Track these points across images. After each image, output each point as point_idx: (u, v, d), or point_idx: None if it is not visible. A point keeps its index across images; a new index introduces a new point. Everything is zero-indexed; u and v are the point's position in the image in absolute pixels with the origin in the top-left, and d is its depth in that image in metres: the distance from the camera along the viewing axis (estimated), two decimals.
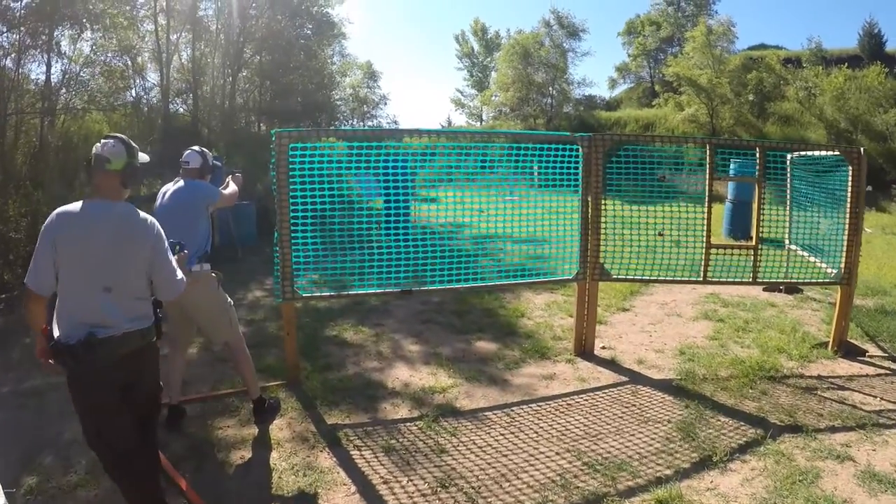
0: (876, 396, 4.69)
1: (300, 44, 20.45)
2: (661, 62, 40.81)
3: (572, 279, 5.41)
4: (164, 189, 3.98)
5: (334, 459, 3.74)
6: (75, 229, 2.56)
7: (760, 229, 5.63)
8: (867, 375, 5.17)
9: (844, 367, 5.37)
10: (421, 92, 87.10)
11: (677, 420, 4.25)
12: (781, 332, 6.23)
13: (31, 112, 11.83)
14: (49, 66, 12.24)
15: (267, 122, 20.56)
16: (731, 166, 10.79)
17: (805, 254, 6.71)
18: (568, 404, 4.54)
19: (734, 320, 6.66)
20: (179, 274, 2.82)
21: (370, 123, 34.74)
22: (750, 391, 4.75)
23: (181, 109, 17.96)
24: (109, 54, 14.05)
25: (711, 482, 3.47)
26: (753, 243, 5.69)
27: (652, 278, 5.72)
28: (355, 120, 34.71)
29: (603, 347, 5.75)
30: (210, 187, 3.99)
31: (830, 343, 5.73)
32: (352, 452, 3.83)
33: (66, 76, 12.78)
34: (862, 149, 5.71)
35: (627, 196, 6.18)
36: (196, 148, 4.09)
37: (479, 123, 43.17)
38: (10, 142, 10.88)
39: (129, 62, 15.13)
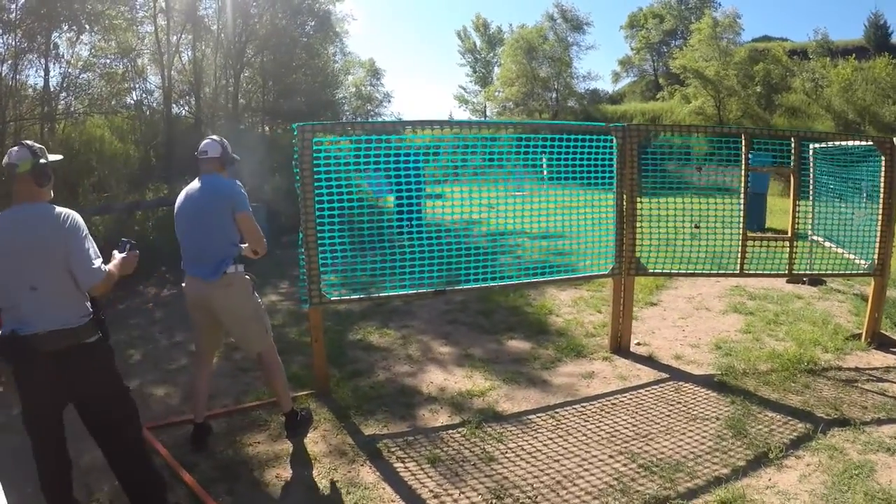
0: None
1: (302, 42, 20.23)
2: (664, 55, 40.72)
3: (608, 274, 5.28)
4: (185, 189, 3.72)
5: (378, 474, 3.53)
6: (2, 234, 2.67)
7: (796, 221, 5.52)
8: None
9: (880, 358, 5.29)
10: (423, 89, 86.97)
11: (725, 417, 4.15)
12: (813, 324, 6.14)
13: (31, 118, 11.61)
14: (47, 70, 12.04)
15: (271, 123, 20.39)
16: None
17: (830, 245, 6.58)
18: (612, 404, 4.42)
19: (764, 313, 6.56)
20: (97, 263, 2.74)
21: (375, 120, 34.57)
22: (792, 385, 4.66)
23: (184, 112, 17.77)
24: (109, 58, 13.87)
25: (770, 480, 3.38)
26: (789, 235, 5.56)
27: (689, 272, 5.57)
28: (359, 118, 34.54)
29: (638, 344, 5.63)
30: (237, 193, 3.59)
31: (864, 334, 5.64)
32: (395, 465, 3.63)
33: (66, 80, 12.59)
34: (895, 138, 5.58)
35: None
36: (214, 137, 3.79)
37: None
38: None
39: (130, 65, 14.94)
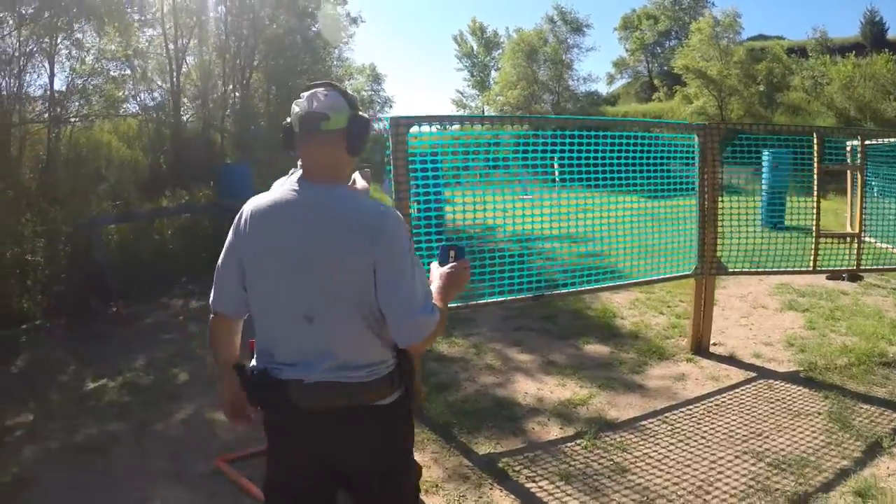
0: None
1: (307, 46, 20.17)
2: (658, 56, 40.97)
3: (691, 275, 5.30)
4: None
5: (513, 497, 3.29)
6: (264, 229, 1.73)
7: (864, 220, 5.65)
8: None
9: None
10: (420, 94, 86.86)
11: (826, 411, 4.21)
12: (868, 318, 6.22)
13: (38, 122, 11.29)
14: (53, 72, 11.77)
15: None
16: (765, 156, 10.65)
17: (873, 240, 6.66)
18: (716, 405, 4.44)
19: (819, 310, 6.63)
20: (424, 305, 1.69)
21: (377, 126, 34.51)
22: (873, 377, 4.75)
23: (190, 117, 17.61)
24: (118, 61, 13.68)
25: (888, 468, 3.45)
26: (857, 232, 5.65)
27: (765, 270, 5.62)
28: None
29: (714, 344, 5.64)
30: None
31: None
32: (528, 486, 3.39)
33: (73, 84, 12.34)
34: None
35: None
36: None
37: None
38: (16, 155, 10.18)
39: (139, 68, 14.81)
